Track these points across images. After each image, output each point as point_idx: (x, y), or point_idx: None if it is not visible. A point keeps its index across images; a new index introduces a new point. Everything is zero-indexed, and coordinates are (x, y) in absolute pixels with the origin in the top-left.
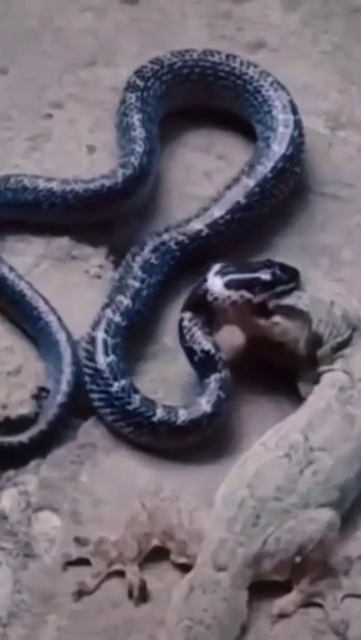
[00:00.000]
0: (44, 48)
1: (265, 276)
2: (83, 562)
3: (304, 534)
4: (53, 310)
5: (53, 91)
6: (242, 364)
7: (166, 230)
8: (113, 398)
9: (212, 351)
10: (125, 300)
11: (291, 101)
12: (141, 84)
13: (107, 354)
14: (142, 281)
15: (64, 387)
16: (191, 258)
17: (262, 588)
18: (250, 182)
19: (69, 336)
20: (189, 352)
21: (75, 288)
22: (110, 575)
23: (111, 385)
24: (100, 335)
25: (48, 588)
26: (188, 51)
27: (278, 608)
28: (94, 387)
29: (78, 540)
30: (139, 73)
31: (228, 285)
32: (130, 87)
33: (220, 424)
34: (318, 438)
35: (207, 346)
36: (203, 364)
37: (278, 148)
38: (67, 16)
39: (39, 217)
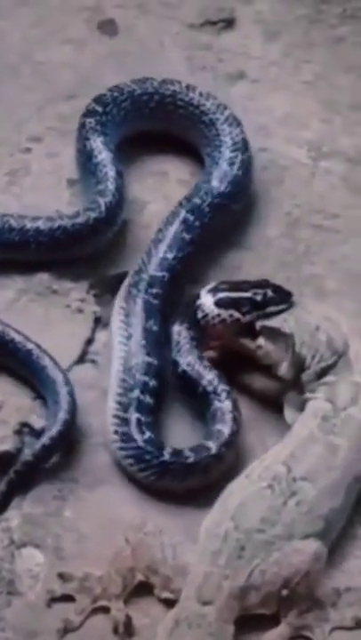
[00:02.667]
0: (24, 82)
1: (256, 296)
2: (67, 598)
3: (290, 566)
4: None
5: (33, 124)
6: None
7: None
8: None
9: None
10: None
11: (243, 139)
12: (100, 109)
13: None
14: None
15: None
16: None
17: (249, 622)
18: (189, 216)
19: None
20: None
21: (56, 322)
22: (95, 611)
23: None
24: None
25: (32, 626)
26: (148, 79)
27: None
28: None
29: (62, 576)
30: (98, 100)
31: (218, 304)
32: (89, 113)
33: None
34: (301, 468)
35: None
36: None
37: (217, 184)
38: (46, 50)
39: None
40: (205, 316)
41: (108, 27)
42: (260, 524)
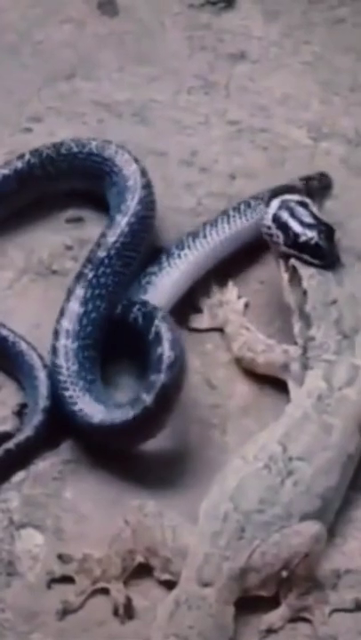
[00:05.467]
0: (24, 61)
1: (306, 237)
2: (67, 579)
3: (290, 548)
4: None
5: (33, 104)
6: (227, 378)
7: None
8: None
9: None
10: None
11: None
12: None
13: None
14: None
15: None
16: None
17: (250, 603)
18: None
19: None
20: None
21: (56, 303)
22: (95, 593)
23: None
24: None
25: (32, 607)
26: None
27: (266, 623)
28: None
29: (62, 558)
30: None
31: (275, 218)
32: None
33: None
34: (297, 448)
35: None
36: None
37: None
38: (46, 29)
39: None
40: (263, 220)
41: (108, 6)
42: (260, 505)
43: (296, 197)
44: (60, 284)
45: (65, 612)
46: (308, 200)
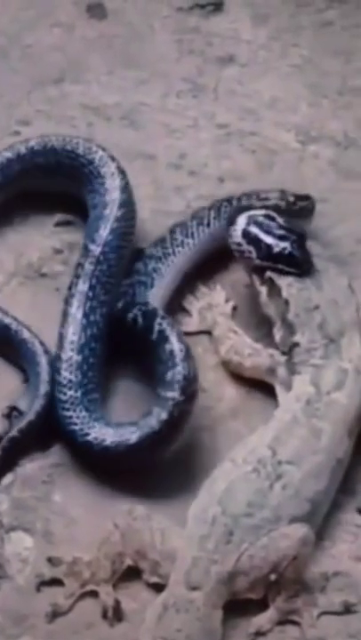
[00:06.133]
0: (13, 65)
1: (279, 247)
2: (56, 582)
3: (278, 551)
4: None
5: (22, 108)
6: (216, 382)
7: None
8: None
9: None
10: None
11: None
12: None
13: None
14: None
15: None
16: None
17: (238, 606)
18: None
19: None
20: None
21: (45, 306)
22: (84, 595)
23: None
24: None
25: (21, 609)
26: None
27: (255, 626)
28: None
29: (51, 561)
30: None
31: (244, 234)
32: None
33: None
34: (286, 452)
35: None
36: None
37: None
38: (35, 33)
39: None
40: (231, 237)
41: (96, 10)
42: (248, 508)
43: (262, 212)
44: (50, 287)
45: (54, 614)
46: (273, 213)
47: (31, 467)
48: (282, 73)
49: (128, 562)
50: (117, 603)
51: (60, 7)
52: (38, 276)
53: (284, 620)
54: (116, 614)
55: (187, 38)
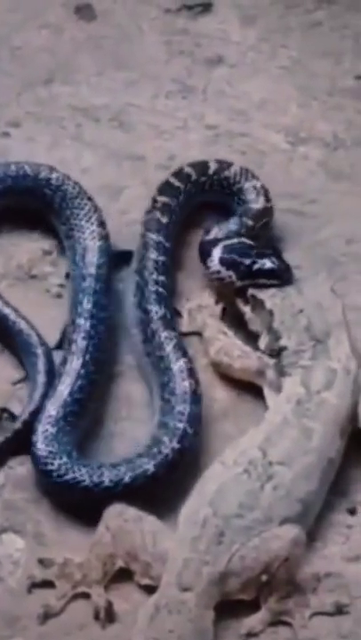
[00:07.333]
0: (2, 67)
1: (258, 264)
2: (47, 584)
3: (270, 552)
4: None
5: (11, 109)
6: (207, 383)
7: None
8: None
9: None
10: None
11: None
12: None
13: None
14: None
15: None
16: None
17: (230, 607)
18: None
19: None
20: None
21: (35, 307)
22: (76, 597)
23: None
24: None
25: (13, 611)
26: None
27: (246, 627)
28: None
29: (43, 562)
30: None
31: (222, 262)
32: None
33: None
34: (277, 453)
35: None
36: None
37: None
38: (24, 34)
39: None
40: (209, 268)
41: (85, 11)
42: (239, 510)
43: (235, 240)
44: (40, 288)
45: (46, 616)
46: (244, 239)
47: (22, 469)
48: (271, 74)
49: (120, 563)
50: (109, 604)
51: (48, 9)
52: (28, 277)
53: (276, 621)
54: (107, 615)
55: (176, 39)
